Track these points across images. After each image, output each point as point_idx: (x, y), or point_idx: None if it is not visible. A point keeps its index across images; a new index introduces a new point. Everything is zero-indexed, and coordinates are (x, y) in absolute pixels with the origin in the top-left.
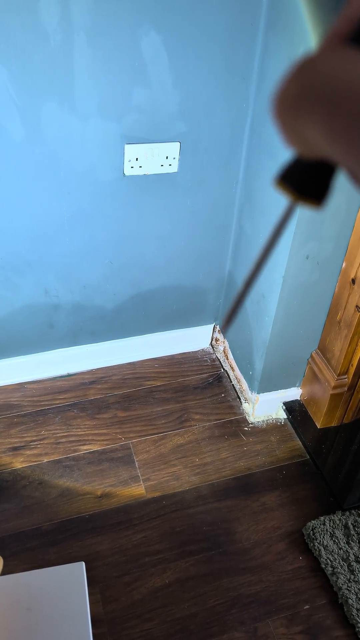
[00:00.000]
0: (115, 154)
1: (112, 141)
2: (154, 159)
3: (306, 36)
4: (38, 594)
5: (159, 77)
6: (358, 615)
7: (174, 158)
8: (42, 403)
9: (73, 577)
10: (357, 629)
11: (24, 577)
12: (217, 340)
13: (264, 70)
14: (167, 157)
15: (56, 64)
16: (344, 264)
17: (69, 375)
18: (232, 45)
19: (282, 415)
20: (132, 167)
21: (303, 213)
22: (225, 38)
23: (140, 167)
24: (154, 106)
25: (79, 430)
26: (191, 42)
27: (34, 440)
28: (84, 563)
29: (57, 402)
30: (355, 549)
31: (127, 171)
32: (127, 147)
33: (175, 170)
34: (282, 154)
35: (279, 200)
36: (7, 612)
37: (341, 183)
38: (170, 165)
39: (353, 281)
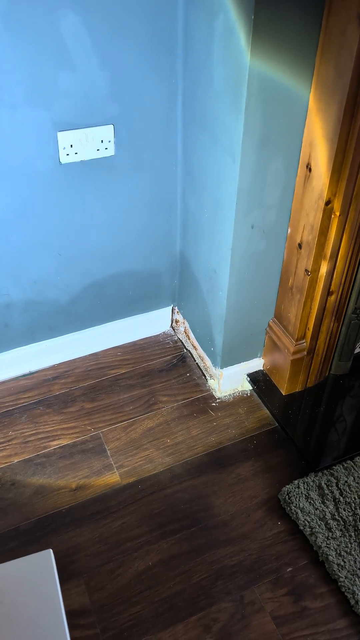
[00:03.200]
0: (49, 143)
1: (43, 130)
2: (89, 143)
3: (225, 5)
4: (7, 586)
5: (84, 59)
6: (339, 570)
7: (109, 141)
8: (7, 404)
9: (41, 565)
10: (339, 584)
11: None
12: (177, 321)
13: (188, 43)
14: (102, 141)
15: None
16: (289, 230)
17: (31, 373)
18: (154, 21)
19: (248, 386)
20: (67, 155)
21: (242, 181)
22: (146, 13)
23: (76, 153)
24: (82, 89)
25: (46, 426)
26: (111, 20)
27: (2, 442)
28: (51, 550)
29: (22, 401)
30: (331, 507)
31: (63, 159)
32: (60, 134)
33: (113, 154)
34: (215, 126)
35: (219, 173)
36: None
37: (278, 150)
38: (106, 148)
39: (300, 245)
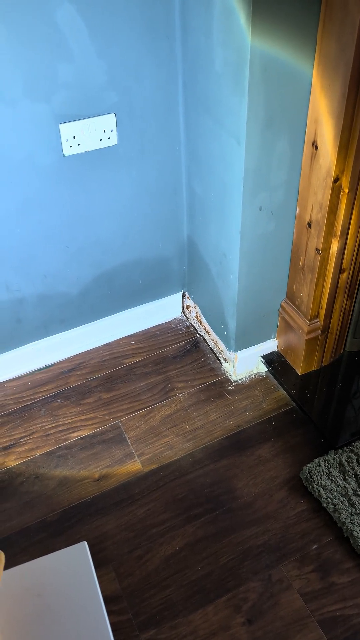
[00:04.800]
0: (51, 136)
1: (45, 123)
2: (92, 134)
3: None
4: (46, 580)
5: (82, 49)
6: None
7: (112, 130)
8: (25, 399)
9: (78, 557)
10: None
11: (29, 567)
12: (188, 307)
13: (186, 25)
14: (104, 131)
15: None
16: (297, 210)
17: (47, 366)
18: (150, 4)
19: (263, 368)
20: (70, 147)
21: (248, 163)
22: None
23: (79, 145)
24: (81, 80)
25: (66, 419)
26: (107, 7)
27: (23, 437)
28: (85, 542)
29: (40, 395)
30: (353, 483)
31: (67, 151)
32: (62, 126)
33: (116, 143)
34: (218, 109)
35: (224, 156)
36: (18, 602)
37: (283, 129)
38: (109, 138)
39: (309, 225)
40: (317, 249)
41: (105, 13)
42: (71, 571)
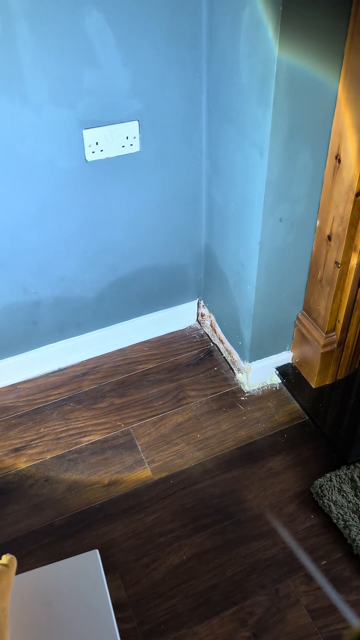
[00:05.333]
0: (75, 141)
1: (69, 128)
2: (115, 140)
3: None
4: (57, 586)
5: (108, 57)
6: None
7: (135, 137)
8: (37, 401)
9: (89, 565)
10: None
11: (41, 573)
12: (202, 315)
13: (212, 37)
14: (127, 138)
15: (1, 57)
16: (318, 222)
17: (60, 369)
18: (177, 15)
19: (277, 380)
20: (93, 152)
21: (270, 174)
22: (169, 8)
23: (101, 150)
24: (106, 87)
25: (77, 422)
26: (134, 16)
27: (35, 439)
28: (97, 551)
29: (52, 398)
30: None
31: (89, 157)
32: (85, 132)
33: (138, 150)
34: (242, 120)
35: (246, 167)
36: (28, 608)
37: (307, 141)
38: (131, 145)
39: (329, 238)
40: (336, 262)
41: (133, 22)
42: (82, 579)
